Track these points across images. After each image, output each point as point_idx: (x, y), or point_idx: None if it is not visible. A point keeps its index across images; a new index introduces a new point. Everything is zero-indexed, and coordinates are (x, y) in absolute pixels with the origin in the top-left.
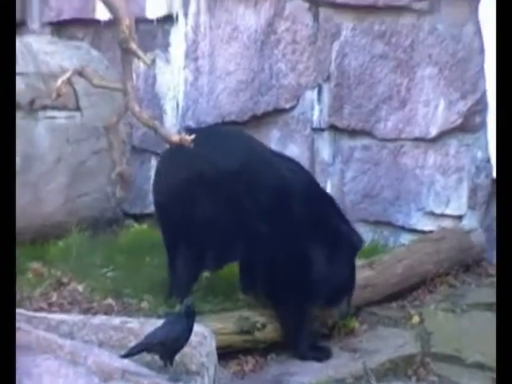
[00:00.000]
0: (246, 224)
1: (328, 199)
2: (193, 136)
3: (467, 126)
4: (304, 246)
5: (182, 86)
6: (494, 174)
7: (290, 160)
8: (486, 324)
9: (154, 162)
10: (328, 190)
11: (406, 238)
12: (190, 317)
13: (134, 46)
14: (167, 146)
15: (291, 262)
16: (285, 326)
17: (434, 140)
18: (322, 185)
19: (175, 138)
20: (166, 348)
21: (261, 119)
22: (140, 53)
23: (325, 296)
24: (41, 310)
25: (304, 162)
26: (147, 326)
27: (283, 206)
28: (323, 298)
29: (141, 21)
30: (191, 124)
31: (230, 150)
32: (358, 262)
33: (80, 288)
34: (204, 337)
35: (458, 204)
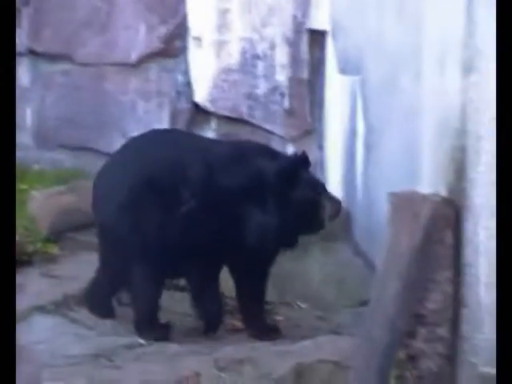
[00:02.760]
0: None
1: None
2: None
3: (168, 50)
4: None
5: None
6: (195, 99)
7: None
8: None
9: None
10: (28, 116)
11: None
12: None
13: None
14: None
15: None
16: None
17: (135, 65)
18: (21, 111)
19: None
20: None
21: None
22: None
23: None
24: None
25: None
26: None
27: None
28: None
29: None
30: None
31: (163, 152)
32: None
33: None
34: None
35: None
